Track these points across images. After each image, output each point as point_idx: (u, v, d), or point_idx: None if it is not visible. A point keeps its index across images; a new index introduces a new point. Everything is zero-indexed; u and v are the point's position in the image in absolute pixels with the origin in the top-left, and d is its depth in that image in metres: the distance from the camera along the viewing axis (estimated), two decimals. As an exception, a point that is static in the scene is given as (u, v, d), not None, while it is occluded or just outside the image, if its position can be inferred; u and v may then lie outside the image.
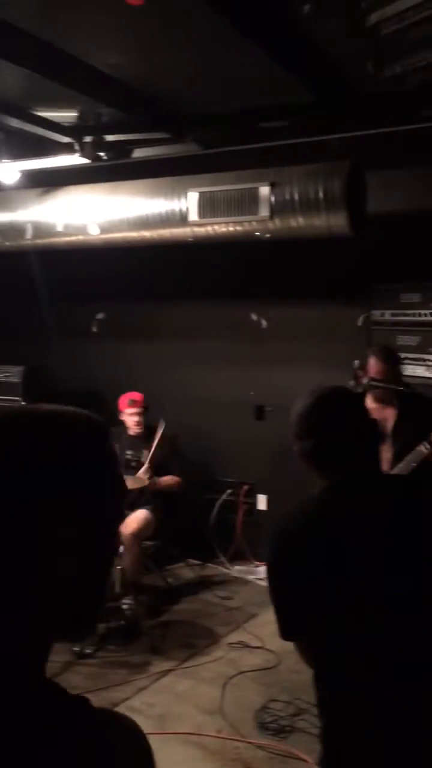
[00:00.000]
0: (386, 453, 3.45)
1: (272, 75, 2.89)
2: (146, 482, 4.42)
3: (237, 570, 5.17)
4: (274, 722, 3.20)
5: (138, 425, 4.74)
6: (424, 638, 1.49)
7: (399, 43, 3.01)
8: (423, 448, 3.13)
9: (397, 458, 3.33)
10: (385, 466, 3.37)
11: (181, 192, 4.13)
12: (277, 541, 1.67)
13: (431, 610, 1.51)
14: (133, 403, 4.75)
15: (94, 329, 6.13)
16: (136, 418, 4.74)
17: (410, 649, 1.49)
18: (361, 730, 1.49)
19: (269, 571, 1.69)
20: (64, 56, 2.88)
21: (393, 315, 4.35)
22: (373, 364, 3.54)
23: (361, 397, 2.78)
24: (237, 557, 5.31)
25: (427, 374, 4.03)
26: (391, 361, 3.58)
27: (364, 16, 2.86)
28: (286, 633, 1.67)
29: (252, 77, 2.98)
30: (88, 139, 3.67)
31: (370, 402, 3.58)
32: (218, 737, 3.10)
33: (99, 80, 3.07)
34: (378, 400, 3.56)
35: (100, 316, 6.12)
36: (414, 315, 4.23)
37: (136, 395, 4.79)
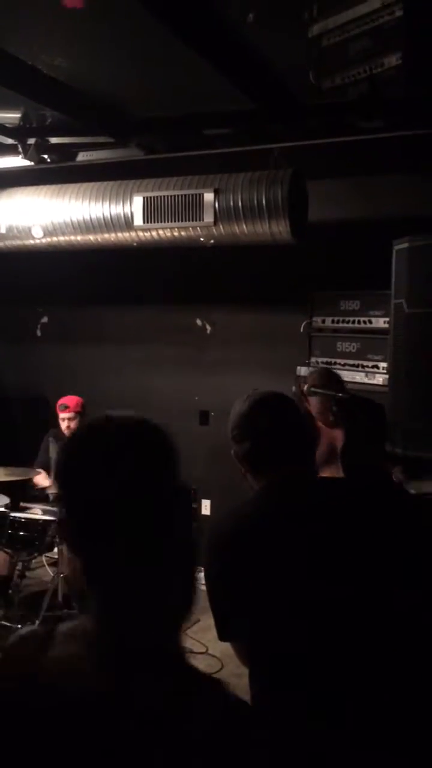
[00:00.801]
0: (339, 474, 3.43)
1: (214, 83, 2.93)
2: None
3: (181, 575, 5.17)
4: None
5: (69, 430, 4.70)
6: (353, 642, 1.50)
7: (340, 55, 3.10)
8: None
9: None
10: None
11: (126, 196, 4.15)
12: (211, 541, 1.67)
13: (359, 612, 1.52)
14: (65, 408, 4.72)
15: (38, 333, 6.07)
16: (66, 423, 4.71)
17: (337, 651, 1.50)
18: (289, 731, 1.49)
19: (205, 572, 1.69)
20: (5, 57, 2.86)
21: (333, 322, 4.45)
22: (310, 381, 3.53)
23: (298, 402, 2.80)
24: (181, 562, 5.31)
25: (366, 380, 4.14)
26: (330, 381, 3.54)
27: (306, 28, 2.94)
28: (222, 634, 1.68)
29: (194, 85, 3.02)
30: (31, 141, 3.65)
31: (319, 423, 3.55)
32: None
33: (41, 82, 3.06)
34: (324, 421, 3.52)
35: (44, 320, 6.05)
36: (353, 322, 4.34)
37: (69, 400, 4.75)
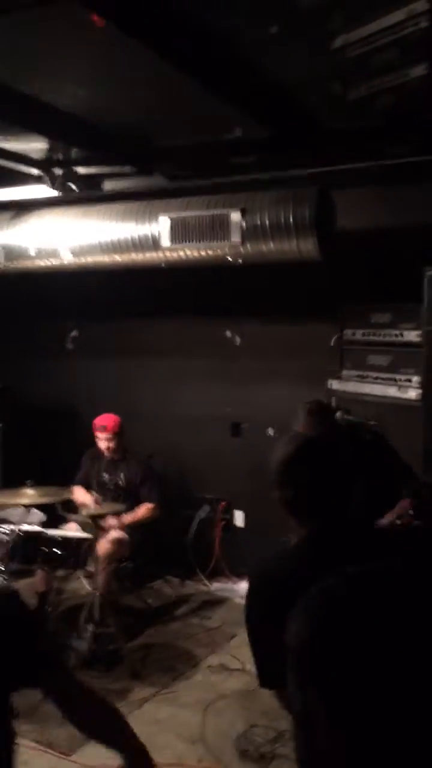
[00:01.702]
0: None
1: (236, 110, 2.92)
2: (122, 510, 4.43)
3: (216, 587, 5.21)
4: (254, 750, 3.24)
5: (109, 450, 4.72)
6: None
7: (364, 66, 3.06)
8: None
9: None
10: None
11: (153, 217, 4.15)
12: (254, 586, 1.71)
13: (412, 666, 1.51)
14: (103, 429, 4.72)
15: (69, 347, 6.13)
16: (105, 444, 4.72)
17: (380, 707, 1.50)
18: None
19: (247, 618, 1.71)
20: (22, 98, 2.87)
21: (364, 335, 4.40)
22: (300, 417, 3.39)
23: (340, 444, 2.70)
24: (216, 574, 5.34)
25: (399, 394, 4.08)
26: (318, 416, 3.40)
27: (330, 40, 2.90)
28: (263, 681, 1.70)
29: (216, 112, 2.99)
30: (58, 171, 3.68)
31: None
32: (200, 767, 3.14)
33: (61, 121, 3.07)
34: None
35: (74, 333, 6.11)
36: (384, 335, 4.28)
37: (108, 420, 4.75)
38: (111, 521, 4.42)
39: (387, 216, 4.48)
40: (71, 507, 4.50)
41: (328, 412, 3.52)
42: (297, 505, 1.73)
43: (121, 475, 4.73)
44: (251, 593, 1.69)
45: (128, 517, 4.51)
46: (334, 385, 4.54)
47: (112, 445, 4.70)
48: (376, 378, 4.30)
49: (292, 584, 1.59)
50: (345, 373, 4.52)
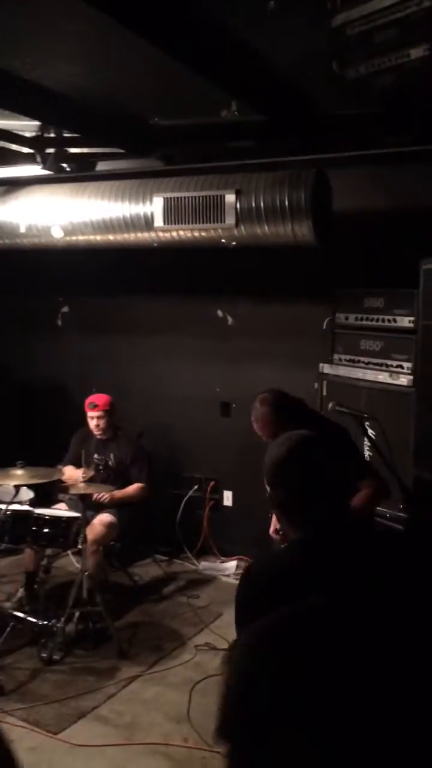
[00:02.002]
0: None
1: (228, 98, 2.85)
2: (112, 489, 4.44)
3: (204, 566, 5.25)
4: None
5: (98, 428, 4.71)
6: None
7: (364, 45, 3.00)
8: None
9: None
10: None
11: (146, 196, 4.08)
12: (245, 591, 1.69)
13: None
14: (93, 407, 4.70)
15: (59, 323, 6.07)
16: (95, 422, 4.70)
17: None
18: None
19: (237, 620, 1.72)
20: (13, 80, 2.78)
21: (357, 319, 4.38)
22: (258, 409, 3.27)
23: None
24: (204, 553, 5.38)
25: (390, 380, 4.08)
26: (276, 406, 3.25)
27: (330, 18, 2.83)
28: None
29: (214, 94, 2.92)
30: (50, 150, 3.59)
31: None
32: (185, 747, 3.18)
33: (54, 104, 2.98)
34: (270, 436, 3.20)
35: (65, 309, 6.05)
36: (377, 320, 4.26)
37: (99, 398, 4.73)
38: (102, 495, 4.43)
39: (384, 199, 4.43)
40: (61, 487, 4.50)
41: (286, 402, 3.32)
42: (287, 506, 1.72)
43: (111, 456, 4.73)
44: (240, 596, 1.69)
45: (118, 493, 4.52)
46: (326, 368, 4.53)
47: (101, 423, 4.68)
48: (368, 363, 4.29)
49: (275, 591, 1.59)
50: (336, 357, 4.52)
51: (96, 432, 4.72)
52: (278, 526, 3.32)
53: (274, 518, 3.36)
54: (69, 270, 5.46)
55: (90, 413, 4.71)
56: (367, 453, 3.90)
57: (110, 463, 4.72)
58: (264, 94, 2.89)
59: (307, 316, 4.89)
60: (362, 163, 3.85)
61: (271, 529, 3.39)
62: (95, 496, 4.40)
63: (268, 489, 1.78)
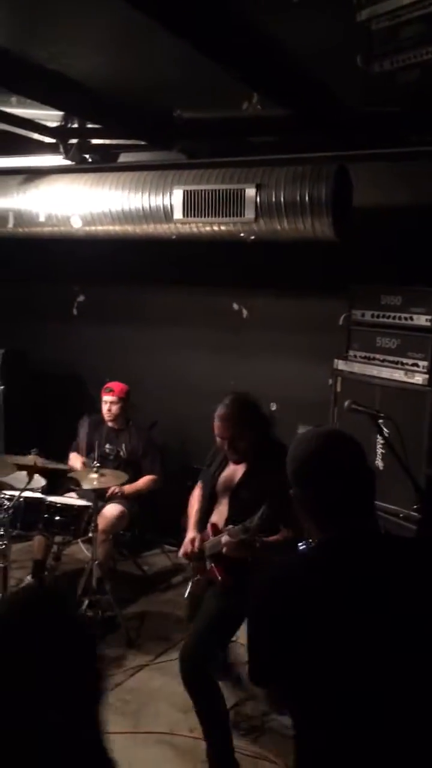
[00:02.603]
0: (224, 507, 3.17)
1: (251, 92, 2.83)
2: (125, 477, 4.45)
3: (212, 558, 5.26)
4: (245, 722, 3.31)
5: (109, 413, 4.71)
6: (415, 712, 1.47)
7: (390, 40, 2.97)
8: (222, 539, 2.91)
9: (230, 523, 3.03)
10: (220, 523, 3.13)
11: (166, 188, 4.07)
12: (266, 588, 1.64)
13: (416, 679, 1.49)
14: (109, 391, 4.72)
15: (75, 312, 6.08)
16: (107, 406, 4.71)
17: (397, 717, 1.47)
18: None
19: (253, 615, 1.68)
20: (39, 70, 2.78)
21: (373, 316, 4.35)
22: (221, 413, 3.15)
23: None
24: (213, 545, 5.39)
25: (406, 379, 4.06)
26: (243, 410, 3.16)
27: (355, 12, 2.81)
28: (255, 678, 1.70)
29: (232, 92, 2.90)
30: (73, 141, 3.58)
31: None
32: (191, 737, 3.21)
33: (78, 96, 2.98)
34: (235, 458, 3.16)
35: (80, 298, 6.06)
36: (394, 318, 4.23)
37: (116, 385, 4.75)
38: (114, 489, 4.45)
39: (405, 196, 4.40)
40: (73, 478, 4.51)
41: (250, 407, 3.21)
42: (315, 504, 1.63)
43: (123, 446, 4.75)
44: (260, 592, 1.64)
45: (130, 488, 4.53)
46: (340, 365, 4.51)
47: (114, 408, 4.70)
48: (383, 361, 4.27)
49: (300, 591, 1.56)
50: (352, 353, 4.49)
51: (107, 417, 4.73)
52: (189, 549, 3.18)
53: (188, 538, 3.24)
54: (85, 259, 5.46)
55: (105, 397, 4.73)
56: (380, 451, 3.89)
57: (122, 453, 4.74)
58: (287, 88, 2.87)
59: (323, 311, 4.87)
60: (383, 159, 3.81)
61: (181, 552, 3.25)
62: (109, 492, 4.43)
63: (294, 488, 1.67)
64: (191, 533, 3.25)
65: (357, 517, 1.61)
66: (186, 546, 3.21)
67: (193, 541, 3.20)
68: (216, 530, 3.13)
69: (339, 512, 1.60)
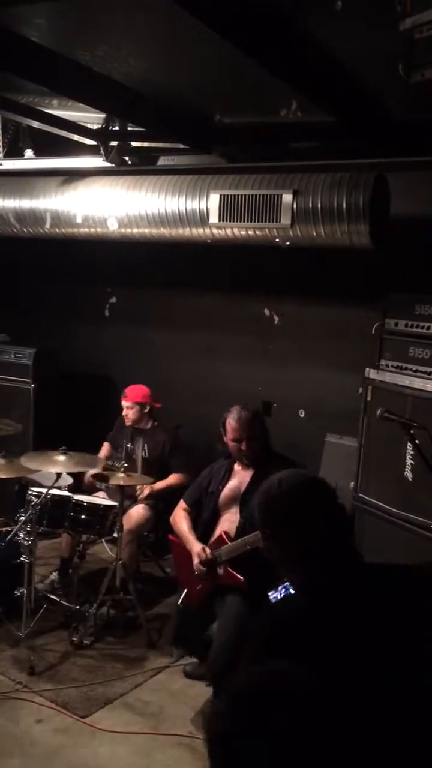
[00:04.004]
0: (233, 516, 3.42)
1: (299, 99, 2.83)
2: (150, 479, 4.47)
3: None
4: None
5: (127, 419, 4.75)
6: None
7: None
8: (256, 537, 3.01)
9: (243, 529, 3.28)
10: (232, 531, 3.35)
11: (203, 193, 4.09)
12: (261, 637, 1.52)
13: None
14: (124, 396, 4.76)
15: (107, 313, 6.13)
16: (124, 411, 4.75)
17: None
18: None
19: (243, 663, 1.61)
20: (83, 71, 2.82)
21: (407, 326, 4.32)
22: (242, 421, 3.50)
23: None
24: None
25: (438, 390, 4.02)
26: (256, 415, 3.59)
27: (399, 20, 2.80)
28: None
29: (274, 97, 2.91)
30: (113, 143, 3.62)
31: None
32: (210, 741, 3.19)
33: (122, 97, 3.01)
34: (250, 458, 3.50)
35: (112, 300, 6.11)
36: (428, 328, 4.19)
37: (132, 389, 4.77)
38: (144, 490, 4.49)
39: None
40: (100, 475, 4.54)
41: (259, 414, 3.60)
42: (302, 544, 1.59)
43: (144, 447, 4.76)
44: (254, 640, 1.54)
45: (160, 484, 4.56)
46: (372, 374, 4.48)
47: (130, 414, 4.73)
48: (416, 371, 4.23)
49: (295, 635, 1.44)
50: (383, 362, 4.46)
51: (126, 421, 4.78)
52: (204, 557, 3.31)
53: (197, 548, 3.37)
54: (118, 262, 5.51)
55: (122, 402, 4.77)
56: (409, 462, 3.85)
57: (144, 454, 4.76)
58: (330, 93, 2.87)
59: (356, 319, 4.85)
60: (422, 168, 3.78)
61: (196, 561, 3.36)
62: (140, 494, 4.46)
63: (268, 533, 1.64)
64: (197, 545, 3.41)
65: (338, 555, 1.57)
66: (200, 555, 3.34)
67: (204, 550, 3.36)
68: (227, 538, 3.31)
69: (325, 549, 1.57)
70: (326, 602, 1.49)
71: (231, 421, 3.50)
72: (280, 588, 2.06)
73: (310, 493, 1.65)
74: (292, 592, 1.74)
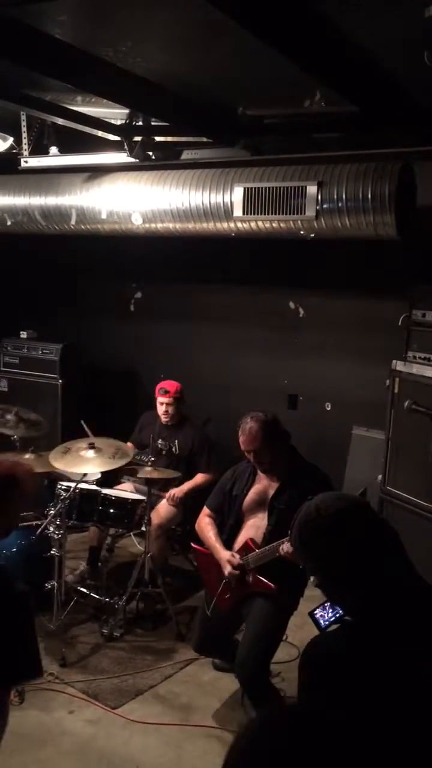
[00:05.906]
0: (259, 522, 3.27)
1: (322, 89, 2.81)
2: (177, 474, 4.48)
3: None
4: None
5: (166, 415, 4.75)
6: None
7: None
8: (283, 548, 2.94)
9: (271, 535, 3.14)
10: (258, 537, 3.22)
11: (227, 186, 4.09)
12: (308, 668, 1.60)
13: None
14: (164, 392, 4.75)
15: (132, 308, 6.16)
16: (164, 408, 4.75)
17: None
18: None
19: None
20: (106, 66, 2.82)
21: (435, 317, 4.28)
22: (247, 433, 3.22)
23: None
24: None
25: (465, 382, 3.98)
26: (270, 431, 3.25)
27: (424, 7, 2.77)
28: None
29: (303, 86, 2.89)
30: (137, 138, 3.63)
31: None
32: (240, 733, 3.21)
33: (145, 92, 3.01)
34: (264, 468, 3.30)
35: (138, 295, 6.14)
36: (456, 319, 4.15)
37: (170, 385, 4.78)
38: (174, 492, 4.50)
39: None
40: (128, 469, 4.57)
41: (270, 424, 3.28)
42: (347, 570, 1.56)
43: (176, 442, 4.78)
44: (306, 672, 1.61)
45: (186, 486, 4.58)
46: (399, 366, 4.44)
47: (170, 410, 4.73)
48: (442, 364, 4.19)
49: (338, 666, 1.51)
50: (411, 354, 4.42)
51: (164, 418, 4.77)
52: (235, 562, 3.20)
53: (225, 556, 3.26)
54: (143, 257, 5.53)
55: (160, 398, 4.76)
56: (437, 454, 3.82)
57: (174, 450, 4.77)
58: (355, 82, 2.84)
59: (382, 311, 4.81)
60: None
61: (227, 570, 3.23)
62: (168, 499, 4.49)
63: (315, 561, 1.61)
64: (225, 553, 3.29)
65: (379, 573, 1.56)
66: (231, 561, 3.24)
67: (233, 556, 3.26)
68: (254, 545, 3.21)
69: (370, 571, 1.55)
70: (379, 633, 1.48)
71: (239, 432, 3.29)
72: (326, 605, 2.02)
73: (351, 519, 1.60)
74: (341, 612, 1.76)
